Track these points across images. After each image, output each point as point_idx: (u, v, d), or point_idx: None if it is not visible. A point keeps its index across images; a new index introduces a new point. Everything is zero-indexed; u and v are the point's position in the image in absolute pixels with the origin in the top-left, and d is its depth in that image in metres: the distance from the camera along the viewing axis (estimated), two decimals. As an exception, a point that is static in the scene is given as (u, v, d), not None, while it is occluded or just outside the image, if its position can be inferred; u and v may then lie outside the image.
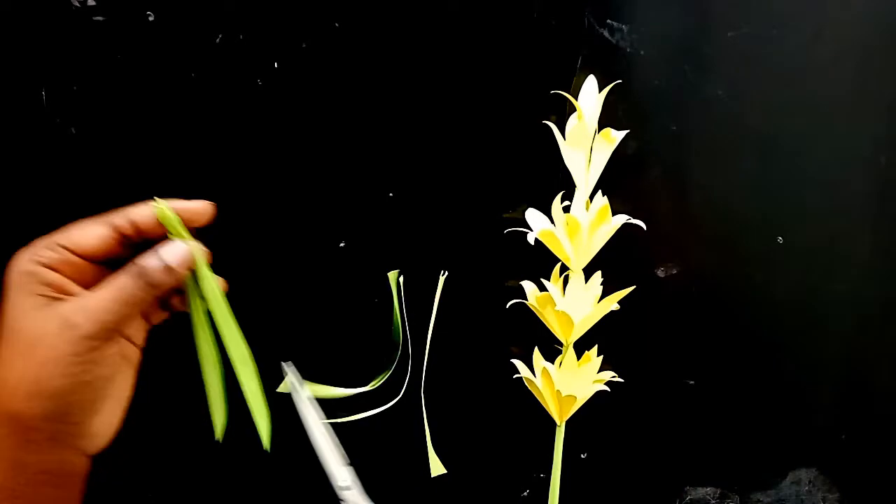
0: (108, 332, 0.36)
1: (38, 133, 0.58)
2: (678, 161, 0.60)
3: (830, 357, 0.61)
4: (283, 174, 0.56)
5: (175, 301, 0.41)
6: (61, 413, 0.36)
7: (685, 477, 0.61)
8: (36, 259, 0.36)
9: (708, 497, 0.61)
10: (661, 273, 0.60)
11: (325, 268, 0.58)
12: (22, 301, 0.35)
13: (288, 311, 0.57)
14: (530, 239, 0.50)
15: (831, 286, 0.61)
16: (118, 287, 0.36)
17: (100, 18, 0.57)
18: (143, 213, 0.38)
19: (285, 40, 0.58)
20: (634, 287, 0.50)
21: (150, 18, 0.57)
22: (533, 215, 0.52)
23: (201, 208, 0.40)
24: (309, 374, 0.58)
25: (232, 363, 0.42)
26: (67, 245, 0.37)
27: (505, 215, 0.58)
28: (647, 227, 0.50)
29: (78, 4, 0.57)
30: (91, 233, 0.37)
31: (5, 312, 0.35)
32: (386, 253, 0.57)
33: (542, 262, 0.53)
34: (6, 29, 0.57)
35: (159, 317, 0.43)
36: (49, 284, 0.36)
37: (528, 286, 0.53)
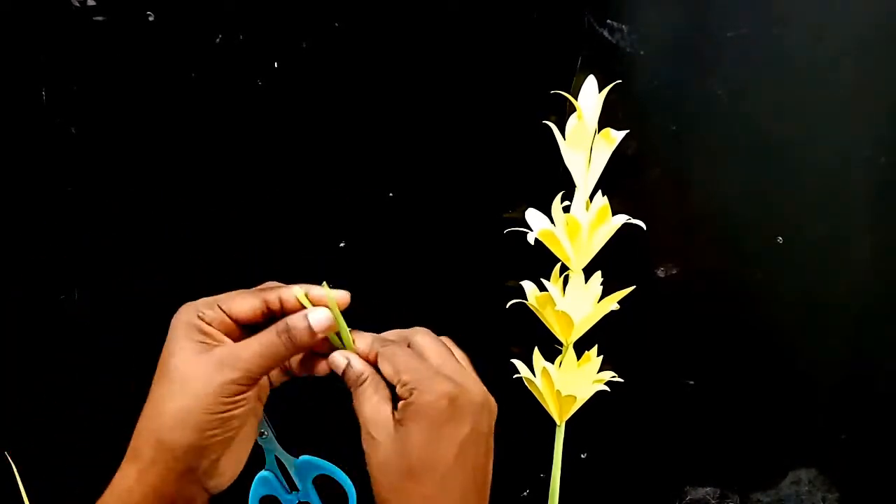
0: (251, 380, 0.41)
1: (38, 133, 0.58)
2: (678, 161, 0.60)
3: (830, 357, 0.61)
4: (283, 174, 0.56)
5: (296, 366, 0.46)
6: (202, 447, 0.41)
7: (685, 477, 0.61)
8: (199, 314, 0.42)
9: (708, 497, 0.61)
10: (661, 273, 0.60)
11: (325, 268, 0.58)
12: (185, 345, 0.41)
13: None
14: (530, 239, 0.50)
15: (831, 286, 0.61)
16: (265, 342, 0.42)
17: (100, 18, 0.57)
18: (291, 295, 0.43)
19: (285, 40, 0.58)
20: (634, 287, 0.50)
21: (151, 18, 0.57)
22: (533, 215, 0.52)
23: (342, 298, 0.45)
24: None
25: None
26: (225, 309, 0.42)
27: (505, 215, 0.58)
28: (647, 227, 0.50)
29: (78, 4, 0.57)
30: (247, 303, 0.43)
31: (170, 354, 0.41)
32: (386, 253, 0.57)
33: (542, 262, 0.53)
34: (6, 29, 0.57)
35: (280, 380, 0.47)
36: (207, 334, 0.42)
37: (528, 286, 0.53)
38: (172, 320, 0.42)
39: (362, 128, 0.58)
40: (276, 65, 0.58)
